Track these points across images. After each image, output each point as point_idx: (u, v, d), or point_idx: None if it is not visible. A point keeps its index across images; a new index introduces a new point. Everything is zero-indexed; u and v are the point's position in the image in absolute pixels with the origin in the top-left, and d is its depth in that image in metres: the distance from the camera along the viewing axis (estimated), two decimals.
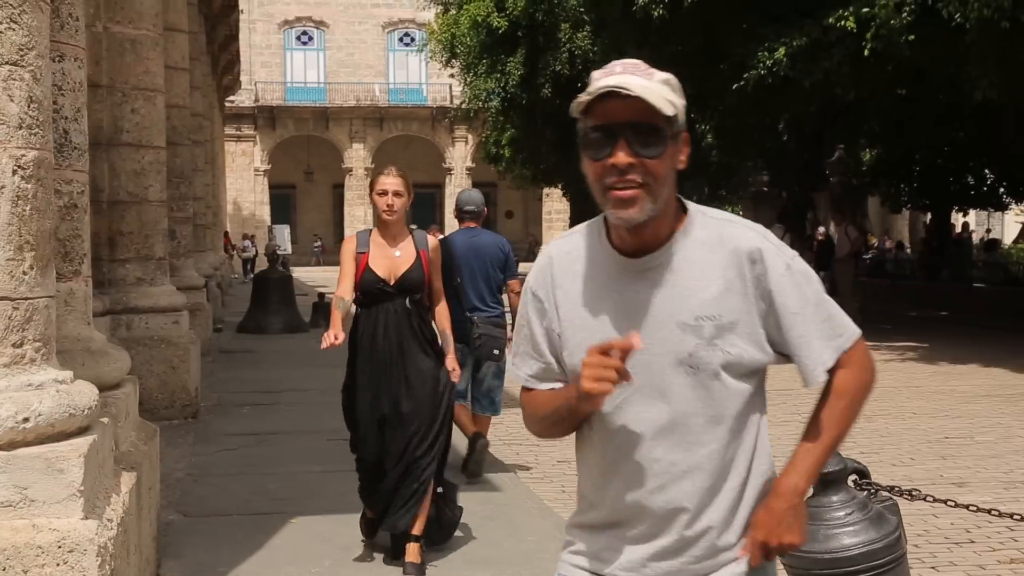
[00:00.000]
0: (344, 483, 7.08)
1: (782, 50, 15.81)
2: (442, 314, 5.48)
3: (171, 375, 9.21)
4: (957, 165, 25.17)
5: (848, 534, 3.36)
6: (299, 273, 33.71)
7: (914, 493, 3.66)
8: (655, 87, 2.01)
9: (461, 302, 7.07)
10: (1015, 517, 3.64)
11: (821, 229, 19.82)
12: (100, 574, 3.35)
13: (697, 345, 2.03)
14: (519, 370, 2.24)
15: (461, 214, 7.54)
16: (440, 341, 5.46)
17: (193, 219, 15.64)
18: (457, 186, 50.04)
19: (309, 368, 12.85)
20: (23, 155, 3.59)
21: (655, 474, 2.07)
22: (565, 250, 2.18)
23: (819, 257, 18.95)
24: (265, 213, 51.30)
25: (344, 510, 6.33)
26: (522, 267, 6.33)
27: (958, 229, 31.99)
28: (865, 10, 14.58)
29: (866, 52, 14.61)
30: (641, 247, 2.06)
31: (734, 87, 16.98)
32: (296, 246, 49.35)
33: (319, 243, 50.93)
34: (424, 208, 50.32)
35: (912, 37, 14.12)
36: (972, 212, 33.07)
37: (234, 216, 48.12)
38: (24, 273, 3.58)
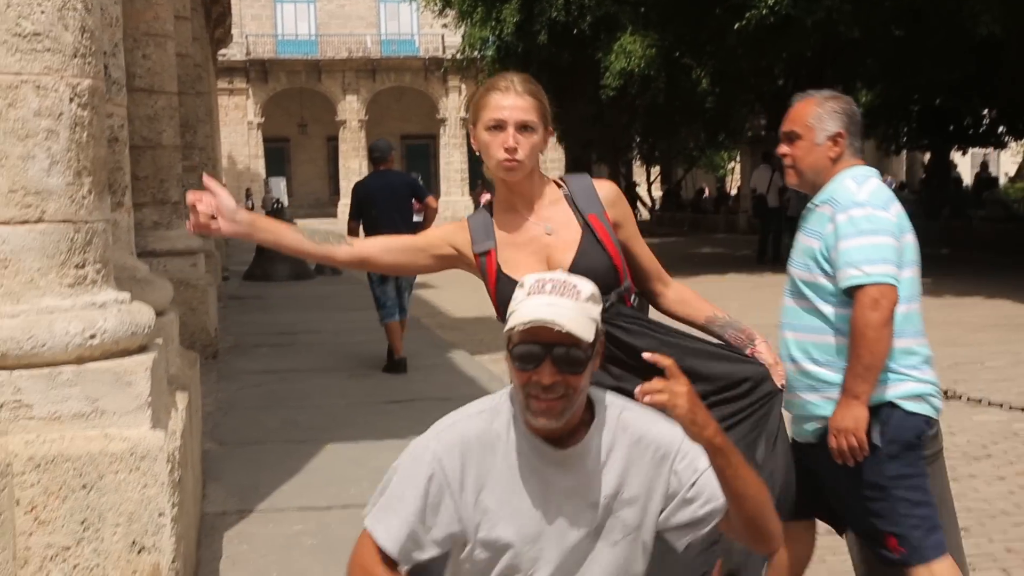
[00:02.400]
0: (370, 414, 7.27)
1: None
2: (687, 295, 3.00)
3: (191, 316, 9.31)
4: (956, 104, 25.18)
5: None
6: None
7: (948, 393, 3.81)
8: (582, 309, 2.16)
9: (378, 230, 8.36)
10: None
11: None
12: (170, 480, 3.50)
13: (602, 518, 2.27)
14: (379, 524, 2.25)
15: (372, 159, 9.59)
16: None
17: (198, 169, 15.70)
18: (452, 136, 50.18)
19: (320, 312, 13.02)
20: (79, 83, 3.68)
21: None
22: (481, 430, 2.29)
23: None
24: (260, 167, 51.19)
25: (374, 437, 6.51)
26: None
27: (975, 169, 32.00)
28: None
29: None
30: (556, 435, 2.25)
31: (736, 27, 16.98)
32: (292, 199, 49.31)
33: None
34: (418, 160, 50.36)
35: None
36: (970, 151, 33.06)
37: (229, 170, 48.02)
38: (83, 197, 3.69)
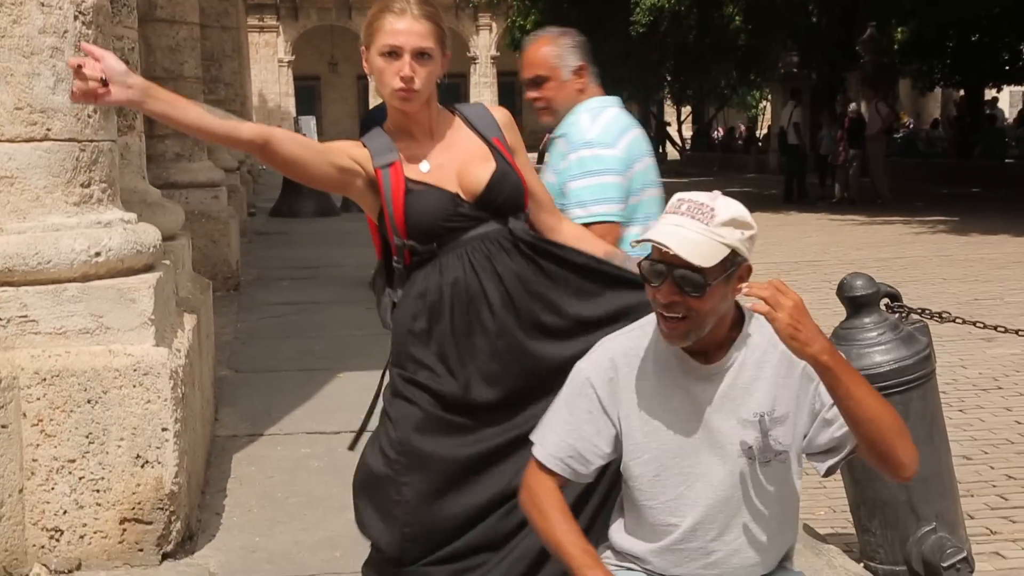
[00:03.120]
0: (386, 344, 7.32)
1: None
2: (582, 232, 2.92)
3: (212, 248, 9.41)
4: (992, 40, 24.74)
5: (879, 352, 3.53)
6: None
7: (944, 315, 3.82)
8: (710, 233, 2.12)
9: None
10: None
11: (852, 106, 19.68)
12: (173, 396, 3.57)
13: (756, 437, 2.25)
14: (545, 441, 2.34)
15: None
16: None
17: (224, 104, 15.73)
18: (482, 75, 49.89)
19: (343, 247, 13.08)
20: (83, 1, 3.71)
21: (709, 553, 2.30)
22: (628, 347, 2.32)
23: (850, 135, 18.83)
24: (290, 105, 51.18)
25: None
26: None
27: (1015, 107, 31.43)
28: None
29: None
30: (701, 349, 2.25)
31: None
32: (321, 138, 49.32)
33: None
34: (449, 100, 49.95)
35: None
36: (1013, 88, 32.49)
37: (259, 108, 48.00)
38: (89, 116, 3.73)
